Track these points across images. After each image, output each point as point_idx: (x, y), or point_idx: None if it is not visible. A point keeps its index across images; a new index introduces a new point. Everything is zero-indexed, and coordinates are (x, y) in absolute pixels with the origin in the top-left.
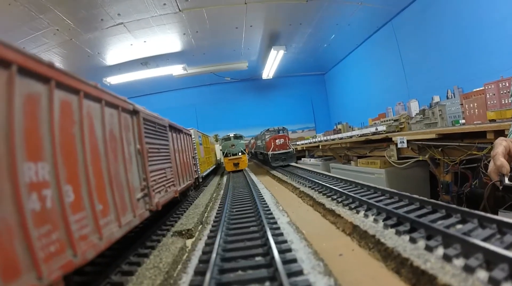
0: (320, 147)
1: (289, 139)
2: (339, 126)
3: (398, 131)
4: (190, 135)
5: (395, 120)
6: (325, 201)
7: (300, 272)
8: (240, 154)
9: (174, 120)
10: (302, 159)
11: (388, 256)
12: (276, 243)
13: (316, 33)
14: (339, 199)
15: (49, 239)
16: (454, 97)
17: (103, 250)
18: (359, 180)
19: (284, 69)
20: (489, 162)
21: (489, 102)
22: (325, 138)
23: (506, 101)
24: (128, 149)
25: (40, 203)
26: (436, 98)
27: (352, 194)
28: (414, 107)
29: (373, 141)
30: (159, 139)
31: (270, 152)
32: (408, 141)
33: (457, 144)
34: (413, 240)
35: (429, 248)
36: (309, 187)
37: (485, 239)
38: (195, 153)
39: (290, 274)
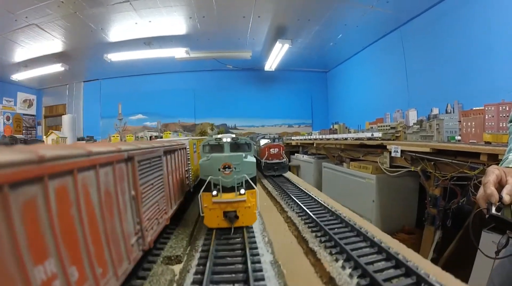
0: (315, 145)
1: (284, 149)
2: (336, 126)
3: (393, 140)
4: (185, 148)
5: (392, 127)
6: (308, 237)
7: None
8: (242, 190)
9: (171, 103)
10: (296, 154)
11: None
12: None
13: (323, 31)
14: (322, 239)
15: None
16: (453, 112)
17: None
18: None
19: (287, 62)
20: (479, 182)
21: (487, 123)
22: (320, 136)
23: (504, 125)
24: (123, 199)
25: None
26: (435, 111)
27: (336, 238)
28: (413, 116)
29: (368, 146)
30: (153, 172)
31: (263, 160)
32: (402, 151)
33: (450, 160)
34: None
35: None
36: (297, 213)
37: None
38: (189, 165)
39: None
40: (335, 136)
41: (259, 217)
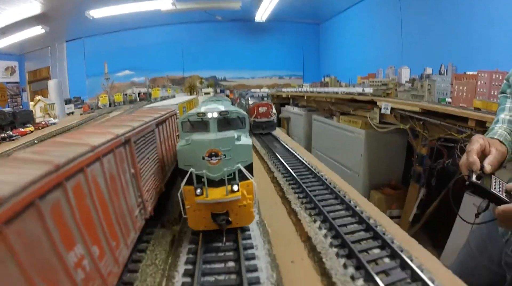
0: (305, 98)
1: (272, 107)
2: (327, 79)
3: (384, 97)
4: (175, 114)
5: (383, 84)
6: (292, 198)
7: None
8: (235, 186)
9: (159, 57)
10: (286, 106)
11: (324, 274)
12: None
13: None
14: (304, 200)
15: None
16: (447, 74)
17: (121, 273)
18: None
19: (278, 13)
20: (465, 146)
21: (479, 89)
22: (311, 89)
23: (495, 93)
24: (124, 178)
25: (83, 272)
26: (429, 70)
27: (316, 200)
28: (405, 73)
29: (358, 101)
30: (148, 147)
31: (252, 119)
32: (392, 108)
33: (439, 122)
34: (345, 266)
35: (352, 278)
36: (282, 174)
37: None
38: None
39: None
40: (326, 89)
41: None
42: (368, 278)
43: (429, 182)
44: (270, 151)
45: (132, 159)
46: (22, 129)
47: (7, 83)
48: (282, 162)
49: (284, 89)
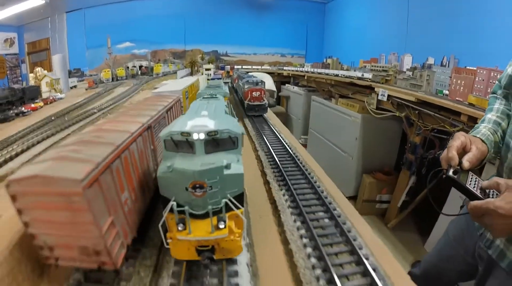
0: (306, 78)
1: (265, 92)
2: (329, 60)
3: (383, 83)
4: (179, 100)
5: (383, 70)
6: (268, 172)
7: None
8: (221, 224)
9: (160, 30)
10: (286, 85)
11: (280, 224)
12: None
13: None
14: (277, 174)
15: (131, 216)
16: (448, 66)
17: (145, 209)
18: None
19: None
20: None
21: (475, 85)
22: (312, 69)
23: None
24: (147, 152)
25: (127, 207)
26: (431, 60)
27: (285, 174)
28: (407, 61)
29: (357, 85)
30: (161, 129)
31: (246, 102)
32: (389, 95)
33: (433, 113)
34: (295, 221)
35: (298, 228)
36: (265, 153)
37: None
38: (182, 110)
39: None
40: (327, 71)
41: None
42: (308, 228)
43: (419, 171)
44: (258, 132)
45: (152, 139)
46: (32, 105)
47: (6, 55)
48: (266, 143)
49: (285, 68)
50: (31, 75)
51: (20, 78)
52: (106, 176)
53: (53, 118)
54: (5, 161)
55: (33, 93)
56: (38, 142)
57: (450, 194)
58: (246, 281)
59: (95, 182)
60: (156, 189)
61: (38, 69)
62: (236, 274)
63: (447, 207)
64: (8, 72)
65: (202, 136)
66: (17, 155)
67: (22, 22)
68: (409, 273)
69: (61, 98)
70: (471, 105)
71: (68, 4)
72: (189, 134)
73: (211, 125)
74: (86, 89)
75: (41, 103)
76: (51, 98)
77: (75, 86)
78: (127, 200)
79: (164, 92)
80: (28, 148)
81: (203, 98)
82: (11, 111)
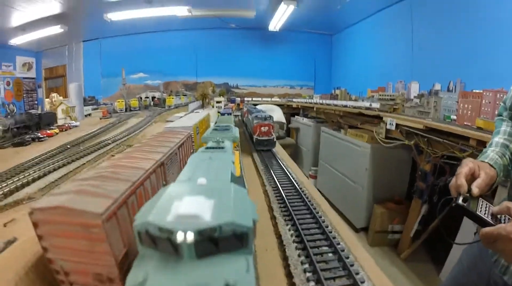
0: (315, 109)
1: (273, 127)
2: (337, 91)
3: (391, 112)
4: (190, 136)
5: (391, 99)
6: (275, 207)
7: None
8: None
9: (173, 62)
10: (296, 117)
11: (285, 258)
12: None
13: None
14: (283, 209)
15: None
16: (455, 91)
17: None
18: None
19: (292, 23)
20: None
21: (483, 108)
22: (321, 101)
23: None
24: (159, 187)
25: None
26: (437, 86)
27: (291, 210)
28: (415, 88)
29: (366, 115)
30: (173, 165)
31: (255, 136)
32: (397, 124)
33: (442, 139)
34: (299, 255)
35: (302, 262)
36: (272, 188)
37: None
38: (193, 146)
39: None
40: (335, 102)
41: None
42: (311, 263)
43: (431, 199)
44: (266, 167)
45: (164, 175)
46: (48, 131)
47: (24, 78)
48: (274, 178)
49: (294, 99)
50: (47, 100)
51: (36, 102)
52: (123, 210)
53: (68, 146)
54: (22, 186)
55: (49, 119)
56: (54, 170)
57: (463, 221)
58: None
59: (113, 216)
60: None
61: (54, 94)
62: None
63: (460, 235)
64: (24, 95)
65: (190, 236)
66: (33, 180)
67: (41, 48)
68: None
69: (76, 126)
70: (479, 128)
71: (85, 34)
72: (171, 232)
73: (206, 214)
74: (100, 119)
75: (57, 130)
76: (66, 125)
77: (89, 114)
78: None
79: (176, 127)
80: (44, 174)
81: (206, 148)
82: (28, 136)
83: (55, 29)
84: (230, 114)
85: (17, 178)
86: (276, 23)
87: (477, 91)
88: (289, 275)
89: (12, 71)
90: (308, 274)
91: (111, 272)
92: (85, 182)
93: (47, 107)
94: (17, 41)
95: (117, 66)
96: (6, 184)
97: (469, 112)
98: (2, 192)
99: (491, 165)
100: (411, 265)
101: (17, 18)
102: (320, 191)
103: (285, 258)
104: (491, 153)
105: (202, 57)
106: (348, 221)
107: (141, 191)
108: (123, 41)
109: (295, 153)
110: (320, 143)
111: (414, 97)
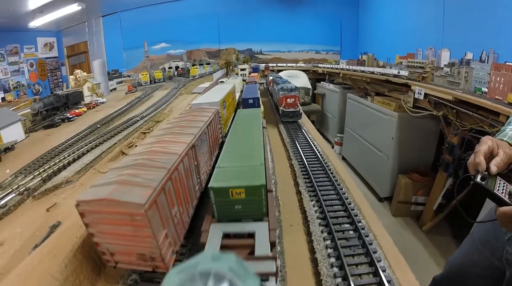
0: (341, 75)
1: (299, 99)
2: (364, 57)
3: (419, 81)
4: (218, 112)
5: (420, 66)
6: (301, 182)
7: None
8: None
9: (195, 29)
10: (321, 82)
11: (308, 234)
12: None
13: None
14: (308, 184)
15: (179, 226)
16: (487, 62)
17: (190, 222)
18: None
19: None
20: None
21: None
22: (347, 67)
23: None
24: (191, 168)
25: (176, 219)
26: (469, 55)
27: (316, 186)
28: (445, 56)
29: (393, 83)
30: (203, 145)
31: (281, 108)
32: (425, 93)
33: (472, 113)
34: (322, 232)
35: (324, 239)
36: (298, 162)
37: None
38: (220, 121)
39: None
40: (362, 68)
41: (271, 161)
42: (333, 239)
43: (457, 173)
44: (292, 140)
45: (195, 156)
46: (76, 110)
47: (46, 58)
48: (300, 152)
49: (320, 65)
50: (71, 77)
51: (60, 80)
52: (161, 197)
53: (98, 125)
54: (59, 170)
55: (76, 98)
56: (88, 151)
57: (487, 199)
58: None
59: (153, 204)
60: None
61: (77, 71)
62: (267, 278)
63: (484, 211)
64: (48, 74)
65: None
66: (69, 163)
67: (60, 27)
68: (434, 278)
69: (102, 102)
70: (510, 104)
71: (103, 9)
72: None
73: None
74: (126, 93)
75: (85, 109)
76: (93, 102)
77: (114, 89)
78: (176, 214)
79: (202, 103)
80: (79, 157)
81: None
82: (57, 117)
83: (73, 8)
84: (257, 103)
85: (53, 162)
86: None
87: (510, 63)
88: (311, 250)
89: (34, 53)
90: (329, 251)
91: (153, 252)
92: (124, 171)
93: (71, 84)
94: (36, 23)
95: (138, 38)
96: (43, 169)
97: (501, 85)
98: (41, 177)
99: (510, 144)
100: (432, 237)
101: (34, 1)
102: (345, 159)
103: (309, 234)
104: (510, 131)
105: (224, 23)
106: (373, 190)
107: (176, 176)
108: (142, 12)
109: (320, 120)
110: (346, 110)
111: (445, 65)
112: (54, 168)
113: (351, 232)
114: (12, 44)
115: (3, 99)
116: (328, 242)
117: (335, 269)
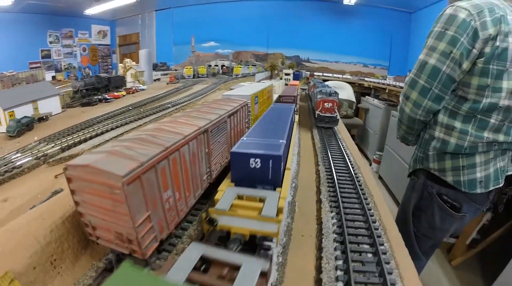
0: (387, 91)
1: (337, 105)
2: None
3: None
4: (247, 105)
5: None
6: (324, 189)
7: None
8: None
9: (244, 32)
10: (366, 96)
11: (320, 249)
12: None
13: None
14: (332, 193)
15: (171, 213)
16: None
17: (187, 212)
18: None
19: None
20: None
21: None
22: (394, 83)
23: None
24: (200, 154)
25: (168, 204)
26: None
27: (340, 196)
28: None
29: None
30: (220, 133)
31: (317, 112)
32: None
33: None
34: (335, 249)
35: (336, 258)
36: (325, 168)
37: None
38: (249, 115)
39: None
40: None
41: (296, 164)
42: (346, 260)
43: (496, 207)
44: (324, 146)
45: (207, 143)
46: (115, 93)
47: (99, 45)
48: (329, 159)
49: (366, 79)
50: (120, 65)
51: (110, 67)
52: (150, 174)
53: (130, 108)
54: (79, 142)
55: (118, 82)
56: (112, 129)
57: None
58: (282, 227)
59: (136, 179)
60: (206, 189)
61: (127, 60)
62: (271, 239)
63: None
64: (99, 60)
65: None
66: (91, 138)
67: (115, 17)
68: None
69: (143, 89)
70: None
71: (157, 3)
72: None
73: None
74: (167, 83)
75: (124, 93)
76: (133, 88)
77: (158, 79)
78: (170, 198)
79: (233, 95)
80: (101, 133)
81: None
82: (95, 97)
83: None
84: (293, 101)
85: (76, 135)
86: None
87: None
88: (318, 269)
89: (88, 39)
90: (339, 273)
91: (129, 233)
92: (122, 143)
93: (120, 72)
94: (92, 11)
95: (188, 34)
96: (65, 139)
97: None
98: (60, 147)
99: None
100: (461, 274)
101: None
102: (381, 178)
103: (319, 249)
104: None
105: (273, 28)
106: None
107: (176, 157)
108: (194, 10)
109: (361, 135)
110: (388, 128)
111: None
112: (75, 140)
113: (370, 255)
114: (67, 28)
115: (54, 77)
116: (340, 262)
117: None
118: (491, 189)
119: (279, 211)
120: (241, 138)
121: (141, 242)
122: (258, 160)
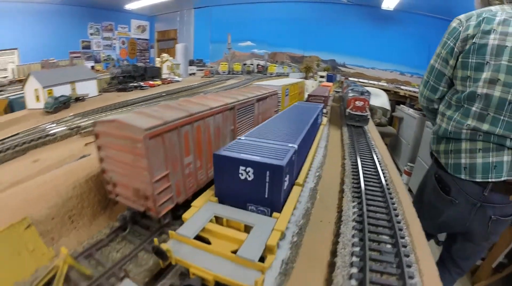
0: None
1: (369, 104)
2: None
3: None
4: (277, 94)
5: None
6: (347, 181)
7: None
8: None
9: (280, 33)
10: (401, 105)
11: (337, 235)
12: None
13: None
14: (355, 185)
15: (190, 179)
16: None
17: (206, 182)
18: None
19: (408, 3)
20: None
21: None
22: None
23: None
24: (226, 130)
25: (188, 170)
26: None
27: (363, 188)
28: None
29: None
30: (247, 114)
31: (348, 110)
32: None
33: None
34: (353, 236)
35: (353, 244)
36: (351, 162)
37: None
38: (279, 106)
39: None
40: None
41: (322, 157)
42: (363, 247)
43: None
44: (352, 142)
45: (233, 120)
46: (151, 82)
47: (138, 39)
48: (356, 154)
49: (402, 87)
50: (157, 59)
51: (148, 61)
52: (172, 135)
53: (163, 94)
54: None
55: (154, 73)
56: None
57: None
58: (273, 275)
59: (158, 135)
60: None
61: (164, 55)
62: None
63: None
64: (138, 54)
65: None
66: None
67: (154, 13)
68: None
69: (177, 81)
70: None
71: (196, 1)
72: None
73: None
74: (202, 77)
75: (159, 82)
76: (168, 79)
77: (194, 73)
78: (190, 164)
79: (263, 84)
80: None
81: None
82: (131, 84)
83: None
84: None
85: (110, 112)
86: (391, 0)
87: None
88: (333, 253)
89: (127, 32)
90: (354, 259)
91: (146, 189)
92: (152, 108)
93: (157, 65)
94: (132, 6)
95: (225, 33)
96: (99, 115)
97: None
98: (93, 120)
99: None
100: None
101: None
102: (411, 191)
103: (337, 235)
104: None
105: (310, 31)
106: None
107: (200, 125)
108: (232, 10)
109: (394, 144)
110: (422, 138)
111: None
112: (107, 115)
113: (389, 246)
114: (108, 21)
115: (93, 67)
116: (357, 249)
117: (353, 282)
118: (478, 180)
119: (269, 251)
120: (238, 137)
121: (157, 199)
122: (250, 169)
